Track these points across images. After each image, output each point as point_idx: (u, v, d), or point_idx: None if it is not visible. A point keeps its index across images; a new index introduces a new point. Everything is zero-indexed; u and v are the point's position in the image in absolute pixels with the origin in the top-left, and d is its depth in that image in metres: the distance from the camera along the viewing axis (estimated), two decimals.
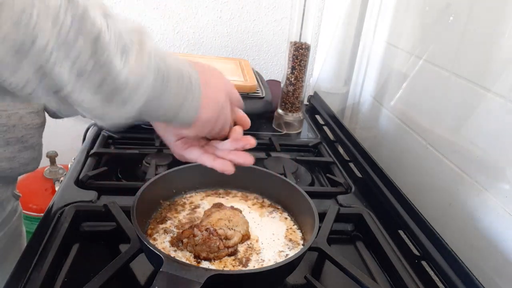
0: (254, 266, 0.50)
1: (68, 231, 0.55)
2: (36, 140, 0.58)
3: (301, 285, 0.53)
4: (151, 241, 0.52)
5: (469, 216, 0.66)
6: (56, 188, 1.27)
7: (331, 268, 0.53)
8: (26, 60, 0.27)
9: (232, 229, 0.52)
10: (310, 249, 0.51)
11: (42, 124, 0.59)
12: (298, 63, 0.93)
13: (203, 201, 0.62)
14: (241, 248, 0.53)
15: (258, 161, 0.80)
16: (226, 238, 0.51)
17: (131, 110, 0.35)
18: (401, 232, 0.64)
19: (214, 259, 0.50)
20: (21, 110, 0.53)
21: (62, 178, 0.99)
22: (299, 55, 0.92)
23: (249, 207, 0.62)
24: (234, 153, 0.47)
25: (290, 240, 0.55)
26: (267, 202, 0.63)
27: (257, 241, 0.54)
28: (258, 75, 1.06)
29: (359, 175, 0.82)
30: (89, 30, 0.29)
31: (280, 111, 1.00)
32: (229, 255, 0.51)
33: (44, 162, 1.29)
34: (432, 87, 0.79)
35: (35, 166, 0.60)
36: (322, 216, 0.58)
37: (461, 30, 0.71)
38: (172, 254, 0.50)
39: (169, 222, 0.56)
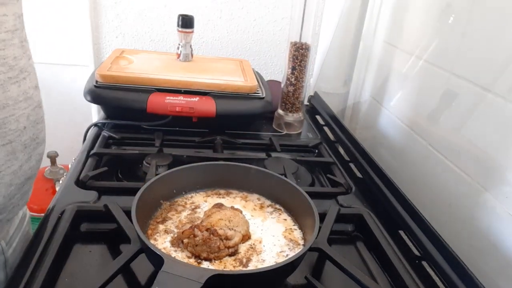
0: (254, 267, 0.50)
1: (69, 232, 0.55)
2: (44, 132, 0.58)
3: (301, 285, 0.53)
4: (151, 242, 0.52)
5: (469, 216, 0.66)
6: (57, 188, 1.27)
7: (331, 268, 0.53)
8: None
9: (232, 229, 0.52)
10: (311, 249, 0.51)
11: (43, 114, 0.58)
12: (298, 63, 0.93)
13: (203, 202, 0.62)
14: (243, 248, 0.53)
15: (258, 161, 0.81)
16: (227, 238, 0.51)
17: None
18: (401, 232, 0.64)
19: (215, 259, 0.50)
20: (26, 109, 0.52)
21: (62, 178, 0.99)
22: (299, 55, 0.92)
23: (250, 207, 0.62)
24: None
25: (291, 240, 0.55)
26: (267, 202, 0.63)
27: (260, 242, 0.54)
28: (258, 75, 1.06)
29: (359, 175, 0.82)
30: None
31: (280, 111, 1.00)
32: (230, 255, 0.51)
33: (45, 162, 1.29)
34: (432, 87, 0.79)
35: (42, 158, 0.60)
36: (322, 216, 0.59)
37: (461, 30, 0.71)
38: (173, 254, 0.50)
39: (169, 222, 0.56)
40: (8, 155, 0.49)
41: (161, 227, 0.55)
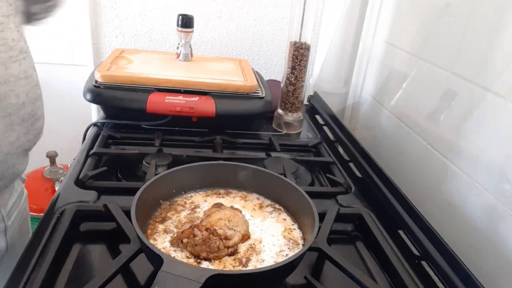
0: (254, 266, 0.50)
1: (68, 231, 0.55)
2: (42, 109, 0.63)
3: (301, 285, 0.53)
4: (151, 241, 0.52)
5: (468, 216, 0.66)
6: (56, 188, 1.27)
7: (331, 268, 0.53)
8: None
9: (232, 229, 0.52)
10: (310, 249, 0.51)
11: (41, 93, 0.63)
12: (298, 63, 0.93)
13: (203, 201, 0.62)
14: (242, 248, 0.53)
15: (258, 161, 0.81)
16: (226, 238, 0.51)
17: None
18: (401, 232, 0.64)
19: (214, 259, 0.50)
20: (26, 86, 0.57)
21: (62, 178, 0.99)
22: (299, 55, 0.92)
23: (249, 207, 0.62)
24: None
25: (290, 240, 0.55)
26: (267, 202, 0.63)
27: (260, 242, 0.54)
28: (258, 75, 1.06)
29: (359, 175, 0.82)
30: None
31: (280, 111, 1.00)
32: (229, 255, 0.51)
33: (44, 162, 1.30)
34: (432, 87, 0.79)
35: (41, 132, 0.65)
36: (322, 216, 0.59)
37: (461, 30, 0.71)
38: (172, 254, 0.50)
39: (169, 222, 0.56)
40: (6, 126, 0.54)
41: (161, 227, 0.55)
